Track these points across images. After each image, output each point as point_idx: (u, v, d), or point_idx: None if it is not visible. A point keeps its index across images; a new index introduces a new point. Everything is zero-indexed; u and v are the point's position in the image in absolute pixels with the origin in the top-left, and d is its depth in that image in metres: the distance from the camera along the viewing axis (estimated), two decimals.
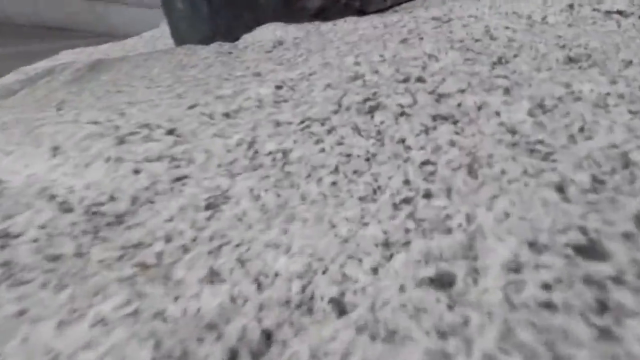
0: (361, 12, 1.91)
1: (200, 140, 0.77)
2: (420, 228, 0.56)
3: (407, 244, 0.55)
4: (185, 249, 0.62)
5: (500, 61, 0.89)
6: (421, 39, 1.07)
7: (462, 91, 0.77)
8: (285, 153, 0.73)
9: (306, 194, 0.67)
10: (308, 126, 0.77)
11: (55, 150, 0.80)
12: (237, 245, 0.61)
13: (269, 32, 1.70)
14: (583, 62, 0.86)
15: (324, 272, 0.54)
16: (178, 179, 0.71)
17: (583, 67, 0.85)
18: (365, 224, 0.58)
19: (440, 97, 0.76)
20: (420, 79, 0.82)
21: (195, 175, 0.71)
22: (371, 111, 0.77)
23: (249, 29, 1.89)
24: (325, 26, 1.62)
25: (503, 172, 0.62)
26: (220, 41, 1.91)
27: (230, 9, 1.86)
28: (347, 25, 1.52)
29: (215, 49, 1.73)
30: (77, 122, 0.90)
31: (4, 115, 1.13)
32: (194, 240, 0.63)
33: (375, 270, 0.53)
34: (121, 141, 0.78)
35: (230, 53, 1.66)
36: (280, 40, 1.61)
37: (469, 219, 0.55)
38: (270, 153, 0.74)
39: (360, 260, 0.54)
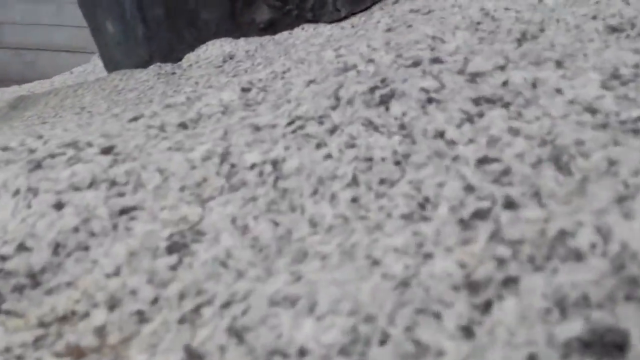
0: (314, 23, 1.71)
1: (149, 156, 0.55)
2: (523, 255, 0.35)
3: (509, 282, 0.34)
4: (142, 319, 0.39)
5: (525, 37, 0.70)
6: (410, 26, 0.88)
7: (502, 68, 0.58)
8: (275, 164, 0.51)
9: (317, 218, 0.45)
10: (301, 127, 0.56)
11: None
12: (226, 306, 0.39)
13: (215, 48, 1.48)
14: (629, 30, 0.69)
15: (382, 343, 0.32)
16: (123, 212, 0.48)
17: (632, 35, 0.67)
18: (428, 256, 0.37)
19: (474, 77, 0.57)
20: (437, 60, 0.63)
21: (148, 204, 0.49)
22: (385, 101, 0.56)
23: (192, 48, 1.67)
24: (280, 36, 1.41)
25: (612, 162, 0.42)
26: (159, 63, 1.68)
27: (169, 28, 1.64)
28: (306, 32, 1.32)
29: (155, 71, 1.50)
30: None
31: None
32: (155, 302, 0.41)
33: (468, 332, 0.32)
34: (36, 166, 0.54)
35: (173, 73, 1.44)
36: (230, 54, 1.40)
37: (603, 234, 0.35)
38: (253, 166, 0.52)
39: (438, 316, 0.33)
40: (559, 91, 0.53)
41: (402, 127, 0.53)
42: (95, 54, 3.02)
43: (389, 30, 0.88)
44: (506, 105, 0.52)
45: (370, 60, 0.71)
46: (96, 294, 0.40)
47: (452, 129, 0.51)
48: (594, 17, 0.74)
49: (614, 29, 0.69)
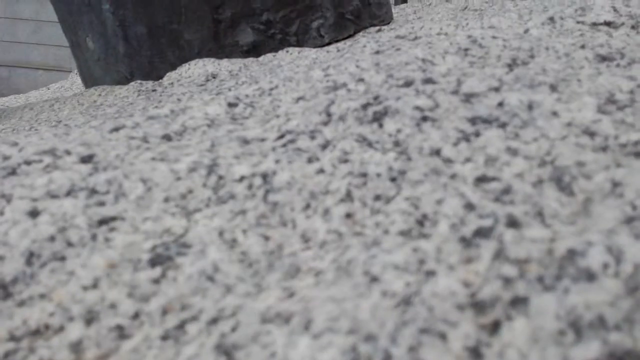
0: (298, 47, 1.72)
1: (132, 166, 0.52)
2: (530, 274, 0.34)
3: (518, 302, 0.32)
4: (121, 334, 0.37)
5: (515, 63, 0.70)
6: (398, 49, 0.87)
7: (496, 89, 0.57)
8: (265, 177, 0.49)
9: (309, 233, 0.43)
10: (292, 141, 0.54)
11: None
12: (213, 322, 0.36)
13: (198, 68, 1.46)
14: (619, 59, 0.69)
15: None
16: (103, 222, 0.45)
17: (622, 64, 0.67)
18: (430, 273, 0.35)
19: (469, 97, 0.56)
20: (429, 81, 0.62)
21: (130, 215, 0.46)
22: (378, 118, 0.55)
23: (173, 67, 1.65)
24: (264, 58, 1.40)
25: (616, 183, 0.41)
26: (140, 80, 1.65)
27: (151, 46, 1.62)
28: (290, 55, 1.31)
29: (135, 88, 1.47)
30: None
31: None
32: (136, 316, 0.38)
33: (476, 354, 0.30)
34: (10, 173, 0.51)
35: (154, 90, 1.41)
36: (213, 74, 1.38)
37: (614, 254, 0.33)
38: (242, 178, 0.50)
39: (443, 337, 0.31)
40: (555, 114, 0.52)
41: (397, 144, 0.51)
42: (72, 71, 2.98)
43: (377, 52, 0.87)
44: (502, 125, 0.51)
45: (360, 80, 0.70)
46: (72, 307, 0.38)
47: (448, 147, 0.49)
48: (583, 47, 0.74)
49: (603, 58, 0.69)
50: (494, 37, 0.89)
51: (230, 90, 1.13)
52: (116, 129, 0.65)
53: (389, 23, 1.95)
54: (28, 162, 0.54)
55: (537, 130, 0.50)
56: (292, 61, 1.19)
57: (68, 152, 0.56)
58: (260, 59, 1.42)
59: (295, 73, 0.95)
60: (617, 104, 0.52)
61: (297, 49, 1.41)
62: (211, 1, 1.60)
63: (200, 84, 1.35)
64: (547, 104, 0.53)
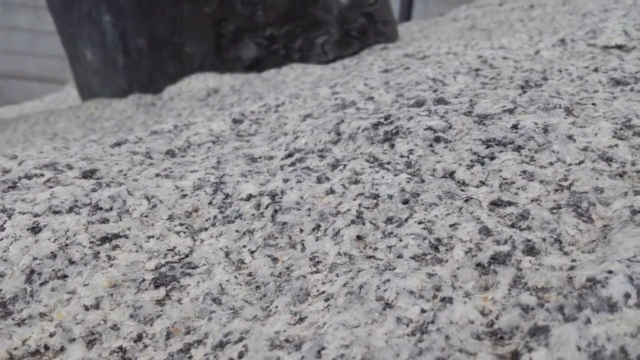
0: (302, 63, 1.71)
1: (136, 182, 0.51)
2: (550, 303, 0.32)
3: (537, 332, 0.31)
4: (124, 358, 0.35)
5: (528, 84, 0.69)
6: (407, 68, 0.86)
7: (510, 111, 0.56)
8: (274, 197, 0.48)
9: (319, 255, 0.42)
10: (301, 160, 0.53)
11: None
12: (219, 347, 0.35)
13: (199, 82, 1.46)
14: (633, 84, 0.68)
15: None
16: (105, 240, 0.44)
17: (636, 89, 0.67)
18: (446, 300, 0.34)
19: (482, 119, 0.55)
20: (441, 101, 0.61)
21: (134, 232, 0.45)
22: (389, 138, 0.54)
23: (173, 81, 1.64)
24: (267, 73, 1.40)
25: (635, 211, 0.40)
26: (138, 94, 1.65)
27: (151, 59, 1.61)
28: (295, 71, 1.30)
29: (133, 101, 1.46)
30: None
31: None
32: (139, 339, 0.36)
33: None
34: (11, 186, 0.50)
35: (153, 104, 1.41)
36: (214, 88, 1.37)
37: (636, 284, 0.32)
38: (250, 197, 0.48)
39: None
40: (571, 138, 0.51)
41: (409, 165, 0.50)
42: (68, 83, 2.96)
43: (385, 71, 0.86)
44: (518, 148, 0.50)
45: (370, 98, 0.69)
46: (73, 328, 0.36)
47: (462, 170, 0.48)
48: (596, 70, 0.73)
49: (618, 82, 0.68)
50: (504, 58, 0.88)
51: (233, 105, 1.12)
52: (118, 144, 0.64)
53: (394, 41, 1.95)
54: (29, 176, 0.52)
55: (553, 155, 0.49)
56: (296, 77, 1.18)
57: (70, 167, 0.55)
58: (264, 74, 1.41)
59: (301, 90, 0.94)
60: (634, 129, 0.51)
61: (301, 65, 1.40)
62: (214, 15, 1.60)
63: (201, 99, 1.34)
64: (563, 128, 0.52)
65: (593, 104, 0.58)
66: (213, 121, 0.72)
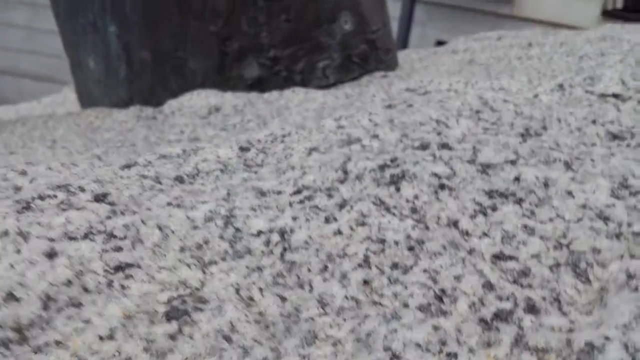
0: (303, 85, 1.73)
1: (149, 211, 0.52)
2: None
3: None
4: None
5: (528, 132, 0.71)
6: (410, 105, 0.89)
7: (513, 162, 0.58)
8: (283, 234, 0.50)
9: (327, 297, 0.43)
10: (309, 197, 0.54)
11: None
12: None
13: (200, 99, 1.47)
14: (629, 139, 0.70)
15: None
16: (119, 268, 0.45)
17: (632, 145, 0.69)
18: (452, 355, 0.36)
19: (486, 168, 0.57)
20: (445, 146, 0.63)
21: (146, 262, 0.46)
22: (395, 182, 0.55)
23: (175, 95, 1.66)
24: (270, 95, 1.42)
25: (630, 275, 0.42)
26: (139, 105, 1.66)
27: (154, 72, 1.63)
28: (297, 96, 1.32)
29: (134, 113, 1.47)
30: None
31: None
32: None
33: None
34: (25, 207, 0.51)
35: (154, 118, 1.42)
36: (216, 106, 1.39)
37: (631, 352, 0.34)
38: (260, 233, 0.50)
39: None
40: (570, 194, 0.53)
41: (415, 210, 0.52)
42: (65, 86, 2.96)
43: (389, 106, 0.88)
44: (519, 201, 0.52)
45: (375, 136, 0.71)
46: (88, 358, 0.37)
47: (465, 220, 0.50)
48: (594, 122, 0.76)
49: (614, 136, 0.71)
50: (505, 101, 0.91)
51: (236, 127, 1.14)
52: (128, 166, 0.65)
53: (394, 69, 1.98)
54: (42, 197, 0.53)
55: (553, 210, 0.51)
56: (299, 103, 1.20)
57: (82, 189, 0.56)
58: (266, 95, 1.43)
59: (305, 119, 0.96)
60: (630, 189, 0.54)
61: (303, 89, 1.42)
62: (219, 33, 1.62)
63: (202, 116, 1.35)
64: (563, 183, 0.55)
65: (592, 160, 0.60)
66: (220, 147, 0.73)
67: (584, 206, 0.51)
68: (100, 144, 1.16)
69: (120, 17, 1.64)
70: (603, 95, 1.00)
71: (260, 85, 1.70)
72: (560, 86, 1.04)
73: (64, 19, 1.77)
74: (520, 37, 2.02)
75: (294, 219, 0.51)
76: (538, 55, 1.71)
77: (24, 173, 0.62)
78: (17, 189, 0.57)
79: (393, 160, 0.59)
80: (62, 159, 1.12)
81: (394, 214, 0.51)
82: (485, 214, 0.50)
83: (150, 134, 1.17)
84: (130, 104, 1.72)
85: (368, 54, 1.86)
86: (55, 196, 0.54)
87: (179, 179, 0.63)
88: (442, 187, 0.54)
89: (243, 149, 0.73)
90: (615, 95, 0.99)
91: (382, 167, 0.58)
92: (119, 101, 1.75)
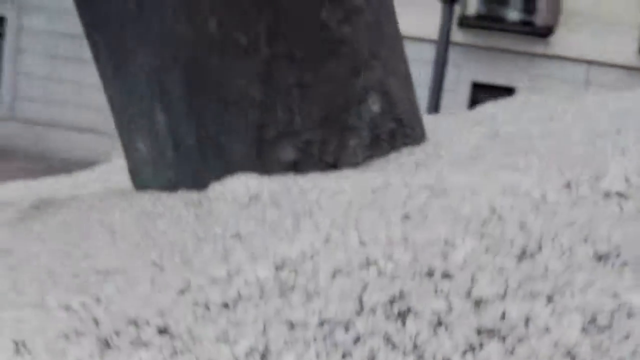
0: (334, 166, 1.87)
1: (201, 347, 0.65)
2: None
3: None
4: None
5: (524, 254, 0.82)
6: (425, 216, 1.00)
7: (502, 297, 0.69)
8: None
9: None
10: (330, 332, 0.66)
11: (20, 346, 0.66)
12: None
13: (240, 183, 1.62)
14: (614, 258, 0.81)
15: None
16: None
17: (615, 265, 0.79)
18: None
19: (478, 303, 0.68)
20: (446, 275, 0.74)
21: None
22: (402, 316, 0.67)
23: (217, 177, 1.81)
24: (304, 181, 1.55)
25: None
26: (185, 188, 1.82)
27: (198, 156, 1.79)
28: (328, 184, 1.46)
29: (182, 198, 1.63)
30: (43, 306, 0.76)
31: None
32: None
33: None
34: (106, 345, 0.65)
35: (200, 204, 1.57)
36: (255, 193, 1.53)
37: None
38: None
39: None
40: (547, 330, 0.64)
41: (416, 347, 0.63)
42: (114, 153, 3.14)
43: (406, 217, 1.00)
44: (503, 338, 0.63)
45: (390, 258, 0.83)
46: None
47: (457, 357, 0.61)
48: (585, 240, 0.86)
49: (600, 257, 0.81)
50: (512, 208, 1.02)
51: (273, 224, 1.27)
52: (182, 292, 0.79)
53: (421, 142, 2.10)
54: (117, 333, 0.67)
55: (530, 349, 0.61)
56: (331, 196, 1.33)
57: (147, 322, 0.69)
58: (301, 182, 1.57)
59: (333, 222, 1.08)
60: (598, 325, 0.64)
61: (333, 176, 1.55)
62: (257, 121, 1.77)
63: (243, 205, 1.49)
64: (542, 318, 0.65)
65: (572, 292, 0.71)
66: (258, 265, 0.86)
67: (556, 344, 0.62)
68: (155, 238, 1.31)
69: (168, 106, 1.81)
70: (607, 194, 1.10)
71: (295, 166, 1.85)
72: (568, 185, 1.15)
73: (119, 110, 1.95)
74: (541, 108, 2.12)
75: (317, 355, 0.63)
76: (558, 132, 1.81)
77: (98, 300, 0.76)
78: (96, 321, 0.70)
79: (401, 293, 0.71)
80: (123, 254, 1.27)
81: (398, 351, 0.63)
82: (473, 352, 0.62)
83: (198, 228, 1.31)
84: (178, 185, 1.88)
85: (395, 132, 1.99)
86: (127, 332, 0.67)
87: (225, 305, 0.76)
88: (439, 323, 0.66)
89: (278, 268, 0.85)
90: (619, 194, 1.09)
91: (392, 302, 0.70)
92: (167, 183, 1.91)
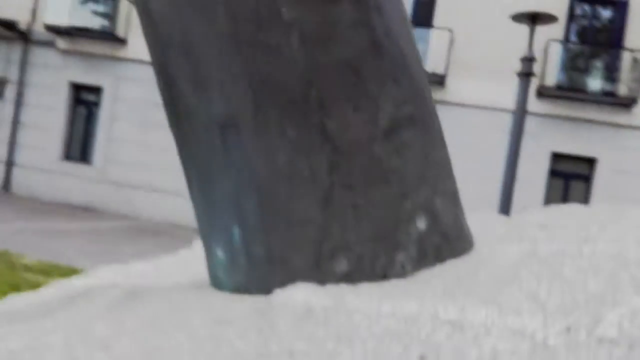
0: (383, 277, 2.11)
1: None
2: None
3: None
4: None
5: None
6: (438, 356, 1.23)
7: None
8: None
9: None
10: None
11: None
12: None
13: (299, 293, 1.89)
14: None
15: None
16: None
17: None
18: None
19: None
20: None
21: None
22: None
23: (281, 283, 2.10)
24: (351, 299, 1.80)
25: None
26: (254, 291, 2.11)
27: (267, 266, 2.08)
28: (374, 308, 1.70)
29: (251, 305, 1.91)
30: None
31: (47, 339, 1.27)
32: None
33: None
34: None
35: (263, 313, 1.84)
36: (310, 306, 1.79)
37: None
38: None
39: None
40: None
41: None
42: (195, 239, 3.46)
43: (422, 358, 1.23)
44: None
45: None
46: None
47: None
48: None
49: None
50: (512, 353, 1.23)
51: (319, 346, 1.52)
52: None
53: (468, 251, 2.33)
54: None
55: None
56: (369, 325, 1.57)
57: None
58: (347, 298, 1.82)
59: (365, 353, 1.32)
60: None
61: (376, 297, 1.80)
62: (316, 237, 2.05)
63: (298, 317, 1.75)
64: None
65: None
66: None
67: None
68: (224, 349, 1.59)
69: (243, 223, 2.13)
70: (601, 341, 1.29)
71: (349, 277, 2.11)
72: (568, 329, 1.35)
73: (202, 220, 2.29)
74: (576, 232, 2.30)
75: None
76: (586, 257, 1.99)
77: None
78: None
79: None
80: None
81: None
82: None
83: (259, 344, 1.58)
84: (248, 288, 2.18)
85: (441, 247, 2.23)
86: None
87: None
88: None
89: None
90: (611, 341, 1.28)
91: None
92: (239, 285, 2.21)
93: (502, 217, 3.00)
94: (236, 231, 2.12)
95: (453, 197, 2.40)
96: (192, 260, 3.24)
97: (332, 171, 2.03)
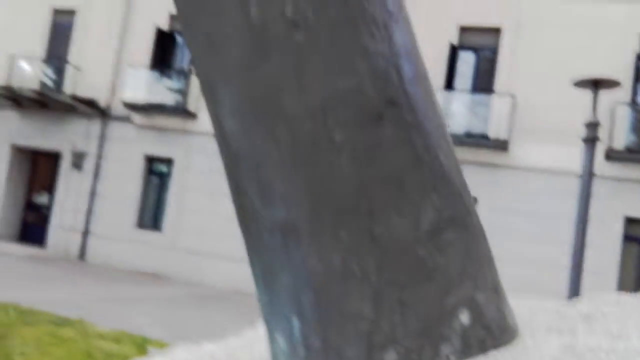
0: None
1: None
2: None
3: None
4: None
5: None
6: None
7: None
8: None
9: None
10: None
11: None
12: None
13: None
14: None
15: None
16: None
17: None
18: None
19: None
20: None
21: None
22: None
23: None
24: None
25: None
26: None
27: (323, 354, 2.30)
28: None
29: None
30: None
31: None
32: None
33: None
34: None
35: None
36: None
37: None
38: None
39: None
40: None
41: None
42: (258, 324, 3.70)
43: None
44: None
45: None
46: None
47: None
48: None
49: None
50: None
51: None
52: None
53: (510, 342, 2.49)
54: None
55: None
56: None
57: None
58: None
59: None
60: None
61: None
62: (367, 330, 2.27)
63: None
64: None
65: None
66: None
67: None
68: None
69: (302, 316, 2.37)
70: None
71: None
72: None
73: (265, 309, 2.55)
74: (615, 325, 2.41)
75: None
76: (620, 353, 2.11)
77: None
78: None
79: None
80: None
81: None
82: None
83: None
84: None
85: (485, 339, 2.41)
86: None
87: None
88: None
89: None
90: None
91: None
92: None
93: (550, 304, 3.12)
94: (295, 323, 2.36)
95: (495, 289, 2.58)
96: (256, 343, 3.48)
97: (381, 271, 2.26)
